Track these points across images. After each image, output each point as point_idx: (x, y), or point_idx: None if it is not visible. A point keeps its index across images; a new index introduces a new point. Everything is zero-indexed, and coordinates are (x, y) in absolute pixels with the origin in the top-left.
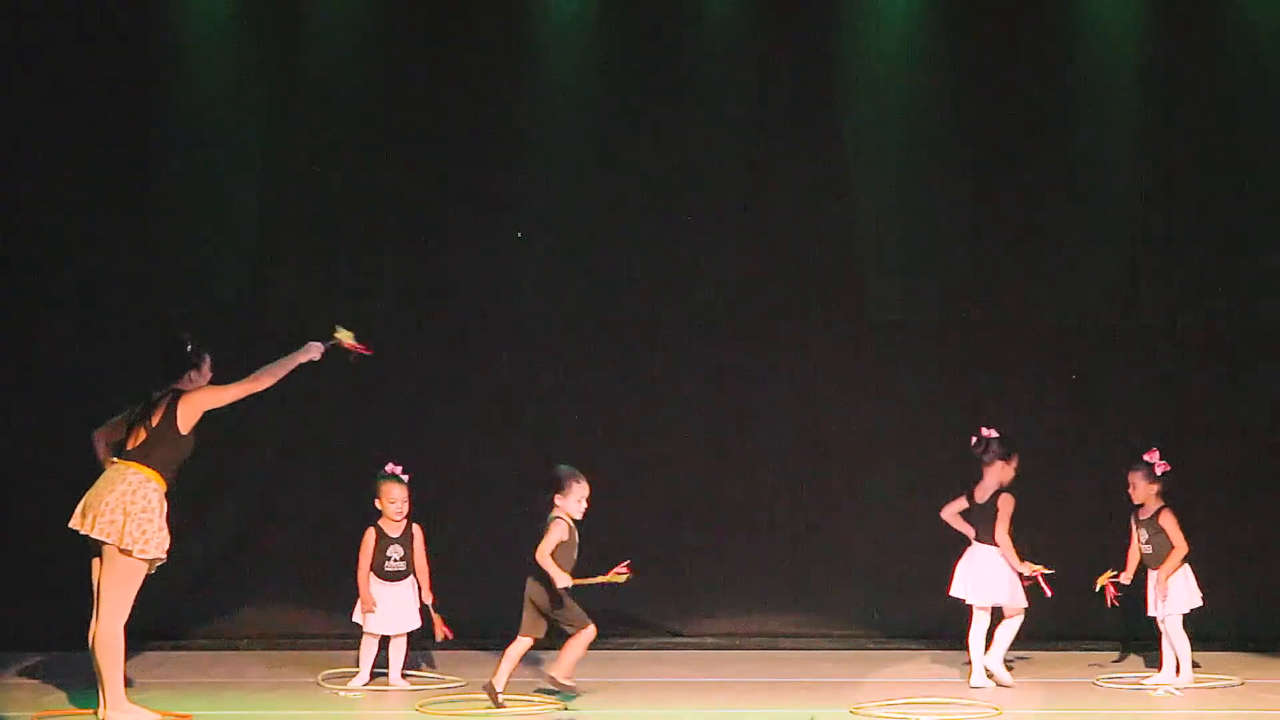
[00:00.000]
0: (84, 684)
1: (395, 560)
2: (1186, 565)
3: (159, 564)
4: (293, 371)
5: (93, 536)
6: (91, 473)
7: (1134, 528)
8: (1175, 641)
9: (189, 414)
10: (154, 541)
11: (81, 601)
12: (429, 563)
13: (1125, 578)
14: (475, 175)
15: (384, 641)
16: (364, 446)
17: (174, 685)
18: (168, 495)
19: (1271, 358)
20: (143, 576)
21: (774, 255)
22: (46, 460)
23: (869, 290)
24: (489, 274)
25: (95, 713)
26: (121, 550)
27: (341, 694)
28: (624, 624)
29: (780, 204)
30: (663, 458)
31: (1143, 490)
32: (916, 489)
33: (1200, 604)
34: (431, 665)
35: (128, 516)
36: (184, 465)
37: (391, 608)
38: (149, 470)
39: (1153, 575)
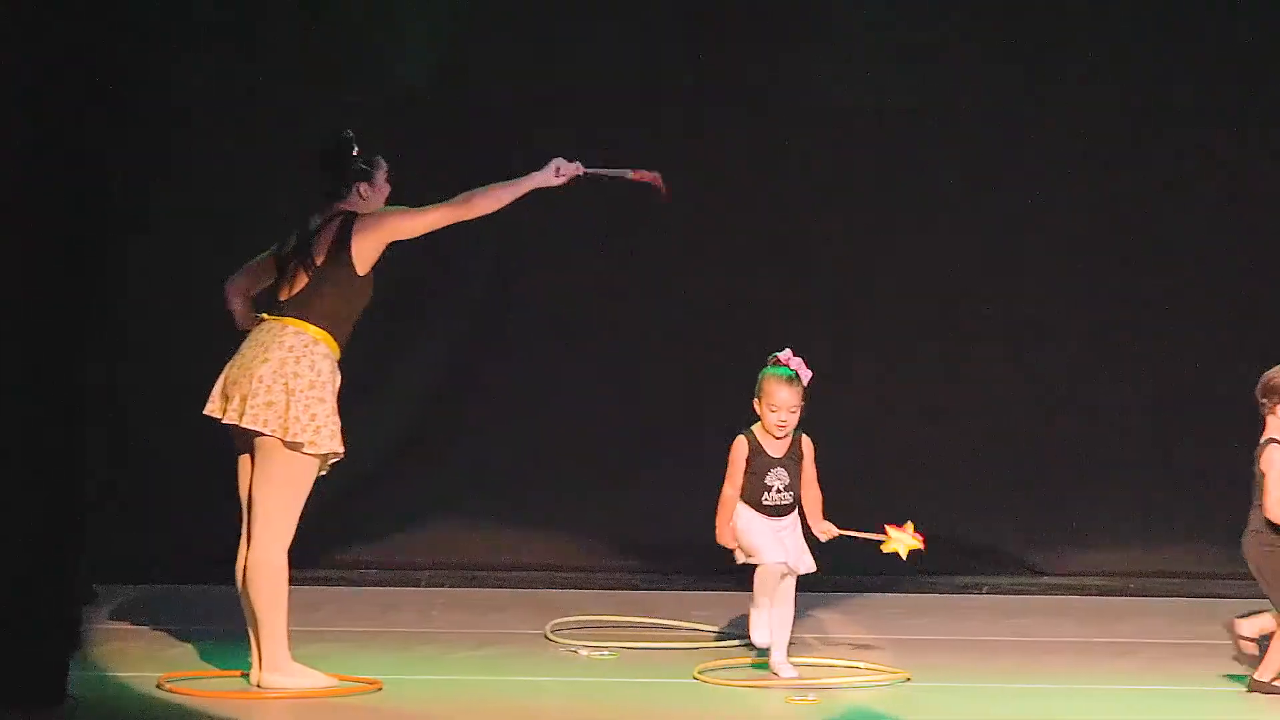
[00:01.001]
0: (226, 632)
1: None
2: None
3: (335, 461)
4: (523, 199)
5: (242, 426)
6: (228, 342)
7: None
8: None
9: (368, 246)
10: (326, 429)
11: (219, 518)
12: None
13: None
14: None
15: None
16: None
17: (343, 636)
18: (341, 365)
19: None
20: (313, 480)
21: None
22: (166, 334)
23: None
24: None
25: (246, 675)
26: (287, 444)
27: (583, 653)
28: None
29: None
30: None
31: None
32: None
33: None
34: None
35: (290, 395)
36: (360, 322)
37: None
38: (315, 329)
39: None
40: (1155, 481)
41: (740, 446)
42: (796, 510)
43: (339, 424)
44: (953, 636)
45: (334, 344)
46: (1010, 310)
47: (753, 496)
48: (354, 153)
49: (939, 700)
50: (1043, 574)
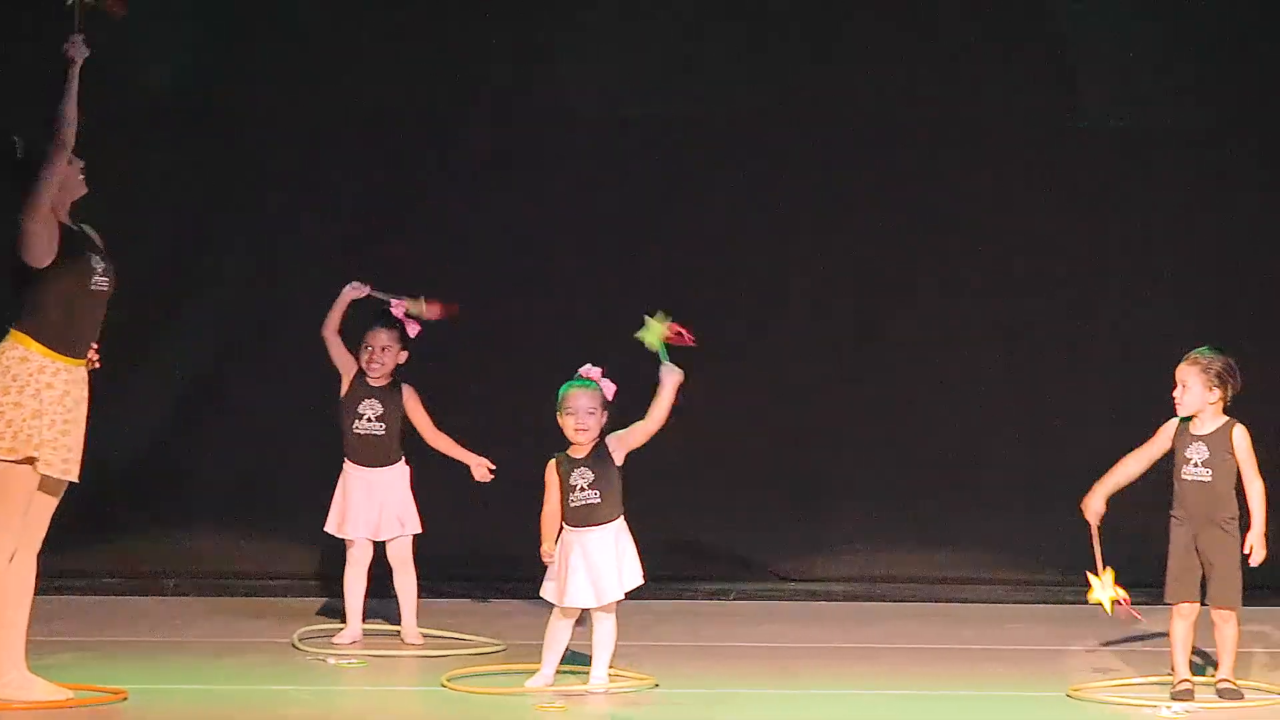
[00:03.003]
0: None
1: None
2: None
3: (62, 471)
4: None
5: None
6: None
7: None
8: None
9: (30, 230)
10: (24, 434)
11: None
12: None
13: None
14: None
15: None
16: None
17: (87, 646)
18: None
19: None
20: (24, 489)
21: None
22: None
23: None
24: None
25: None
26: None
27: (331, 661)
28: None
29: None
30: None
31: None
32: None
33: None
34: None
35: None
36: (79, 319)
37: None
38: (15, 332)
39: None
40: (899, 487)
41: (550, 469)
42: (616, 525)
43: (44, 425)
44: (700, 642)
45: (38, 345)
46: (765, 324)
47: (565, 502)
48: (19, 153)
49: (686, 706)
50: (789, 580)
